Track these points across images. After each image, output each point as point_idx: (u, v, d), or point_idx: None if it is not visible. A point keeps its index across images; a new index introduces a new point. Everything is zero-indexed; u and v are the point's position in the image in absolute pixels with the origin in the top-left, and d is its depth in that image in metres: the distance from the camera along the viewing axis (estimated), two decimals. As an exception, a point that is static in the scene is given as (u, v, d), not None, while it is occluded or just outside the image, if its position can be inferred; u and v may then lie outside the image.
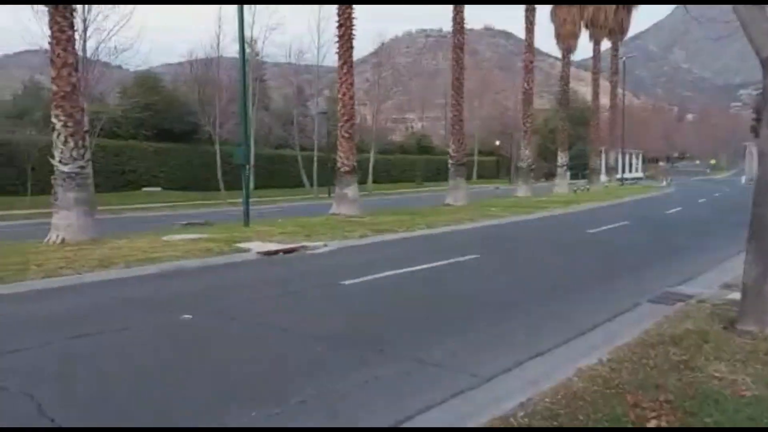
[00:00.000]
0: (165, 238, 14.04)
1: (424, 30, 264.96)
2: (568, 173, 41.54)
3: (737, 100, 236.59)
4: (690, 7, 9.68)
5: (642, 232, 17.55)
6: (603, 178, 49.86)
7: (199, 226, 17.93)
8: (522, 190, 32.97)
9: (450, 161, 26.30)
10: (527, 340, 6.08)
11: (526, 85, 33.60)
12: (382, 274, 9.68)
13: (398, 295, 8.37)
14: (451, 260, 11.25)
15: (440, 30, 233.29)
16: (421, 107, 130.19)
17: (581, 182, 51.75)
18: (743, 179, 73.52)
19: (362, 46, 60.50)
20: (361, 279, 9.31)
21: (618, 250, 13.24)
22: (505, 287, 9.02)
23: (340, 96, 20.25)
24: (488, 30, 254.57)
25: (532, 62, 33.47)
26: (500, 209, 23.25)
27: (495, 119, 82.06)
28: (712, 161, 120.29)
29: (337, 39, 19.99)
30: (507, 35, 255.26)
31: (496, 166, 79.87)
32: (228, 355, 5.61)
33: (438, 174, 59.16)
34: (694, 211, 25.54)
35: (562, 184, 38.66)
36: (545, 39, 46.48)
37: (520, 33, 34.58)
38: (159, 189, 38.86)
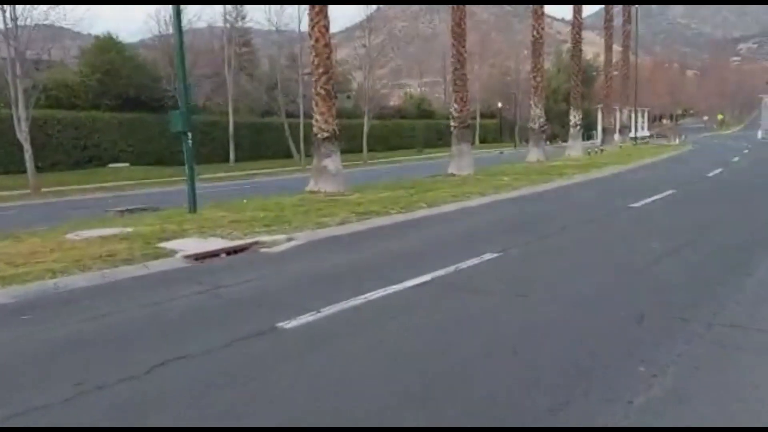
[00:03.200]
0: (70, 235, 10.32)
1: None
2: (581, 134, 37.49)
3: (737, 54, 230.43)
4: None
5: (702, 204, 13.81)
6: (617, 137, 45.87)
7: (138, 213, 14.26)
8: (533, 154, 28.97)
9: (452, 123, 22.21)
10: None
11: (535, 32, 28.84)
12: (351, 303, 5.96)
13: (367, 364, 4.63)
14: (462, 264, 7.51)
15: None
16: (419, 73, 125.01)
17: (589, 143, 47.90)
18: (760, 133, 69.55)
19: (356, 13, 55.68)
20: (316, 315, 5.59)
21: (695, 236, 9.50)
22: (556, 321, 5.30)
23: (312, 43, 16.02)
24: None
25: (542, 6, 28.98)
26: (513, 178, 19.47)
27: (496, 78, 77.92)
28: (720, 116, 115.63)
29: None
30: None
31: (498, 129, 75.57)
32: None
33: (439, 139, 55.31)
34: (741, 172, 21.88)
35: (575, 146, 34.52)
36: None
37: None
38: (127, 165, 34.88)
